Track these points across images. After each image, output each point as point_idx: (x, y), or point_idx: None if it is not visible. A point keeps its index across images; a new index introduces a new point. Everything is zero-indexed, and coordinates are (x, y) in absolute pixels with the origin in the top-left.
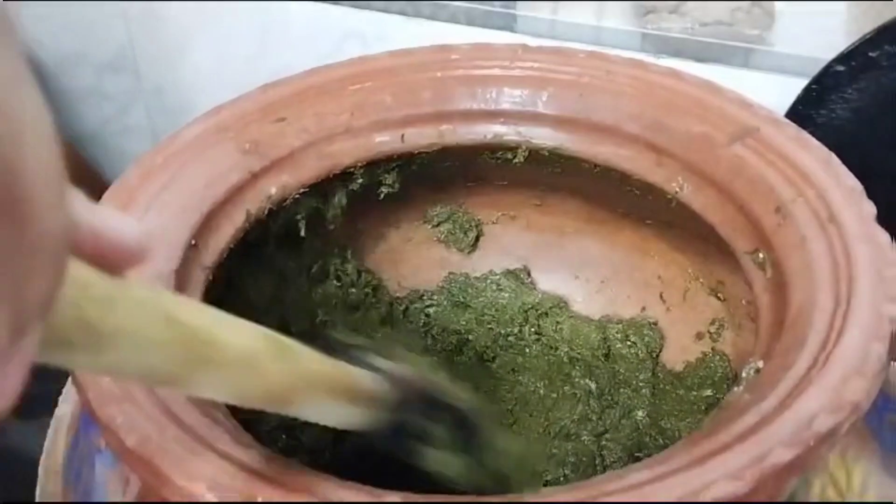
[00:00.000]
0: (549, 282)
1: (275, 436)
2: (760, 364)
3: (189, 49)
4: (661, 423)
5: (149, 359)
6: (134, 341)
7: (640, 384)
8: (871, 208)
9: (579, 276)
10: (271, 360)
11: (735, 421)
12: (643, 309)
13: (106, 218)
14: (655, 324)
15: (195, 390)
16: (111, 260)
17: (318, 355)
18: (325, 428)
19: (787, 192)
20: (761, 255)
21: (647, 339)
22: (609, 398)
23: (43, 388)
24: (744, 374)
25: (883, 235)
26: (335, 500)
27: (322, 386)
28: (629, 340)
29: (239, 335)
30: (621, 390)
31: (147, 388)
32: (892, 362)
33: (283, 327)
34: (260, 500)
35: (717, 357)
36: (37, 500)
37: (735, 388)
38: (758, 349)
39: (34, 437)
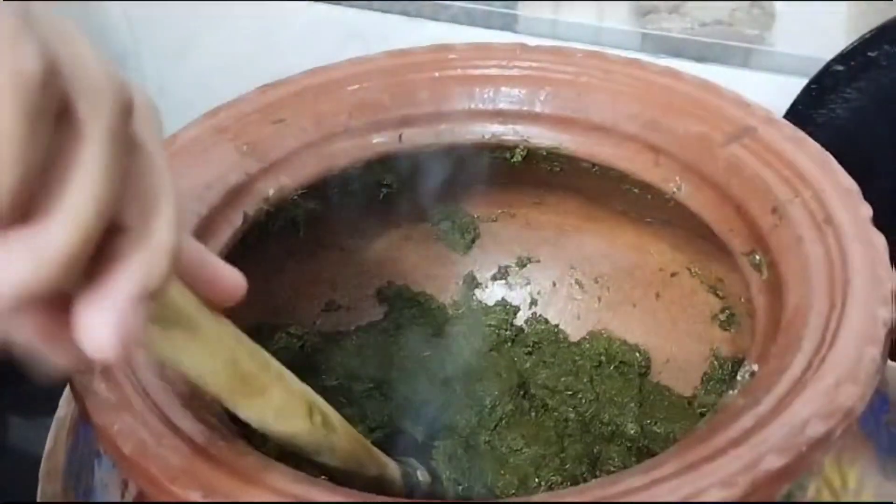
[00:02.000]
0: (548, 280)
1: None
2: (755, 367)
3: (192, 50)
4: (654, 429)
5: (204, 378)
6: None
7: (626, 400)
8: (867, 210)
9: (579, 273)
10: (306, 422)
11: (729, 425)
12: (641, 307)
13: (209, 254)
14: (644, 350)
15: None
16: (209, 293)
17: (349, 432)
18: None
19: (783, 192)
20: (758, 257)
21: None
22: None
23: (49, 388)
24: (739, 378)
25: (878, 237)
26: (326, 502)
27: (343, 455)
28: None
29: (283, 392)
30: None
31: (143, 396)
32: (888, 362)
33: (279, 327)
34: None
35: (717, 356)
36: (38, 501)
37: (730, 392)
38: (753, 351)
39: (37, 437)
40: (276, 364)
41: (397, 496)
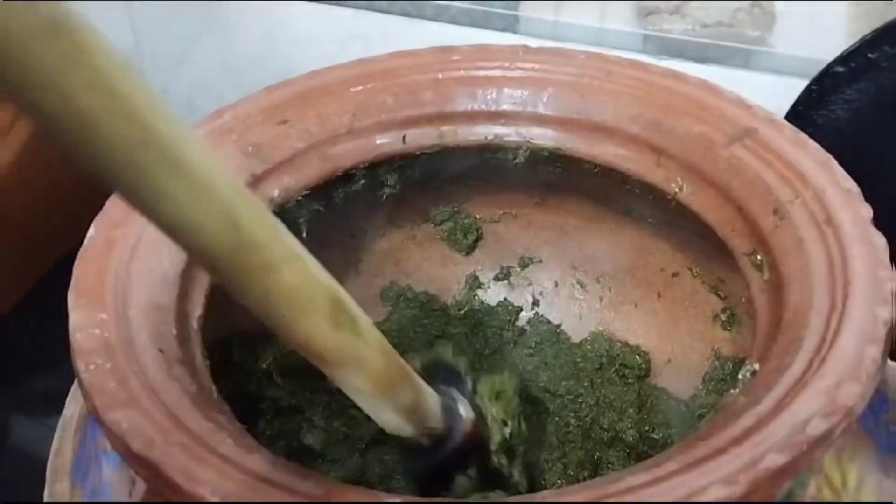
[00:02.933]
0: (549, 280)
1: (276, 440)
2: (756, 366)
3: (194, 51)
4: (651, 435)
5: (193, 241)
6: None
7: (625, 405)
8: (867, 210)
9: (581, 273)
10: (324, 321)
11: (730, 424)
12: (643, 307)
13: None
14: (645, 353)
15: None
16: None
17: (383, 344)
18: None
19: (784, 193)
20: (759, 257)
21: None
22: (597, 429)
23: (52, 387)
24: (740, 377)
25: (879, 238)
26: (336, 502)
27: (373, 371)
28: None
29: (297, 276)
30: (606, 414)
31: (151, 393)
32: (888, 361)
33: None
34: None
35: (718, 356)
36: (45, 500)
37: (731, 391)
38: (754, 351)
39: (43, 437)
40: (293, 242)
41: (433, 430)
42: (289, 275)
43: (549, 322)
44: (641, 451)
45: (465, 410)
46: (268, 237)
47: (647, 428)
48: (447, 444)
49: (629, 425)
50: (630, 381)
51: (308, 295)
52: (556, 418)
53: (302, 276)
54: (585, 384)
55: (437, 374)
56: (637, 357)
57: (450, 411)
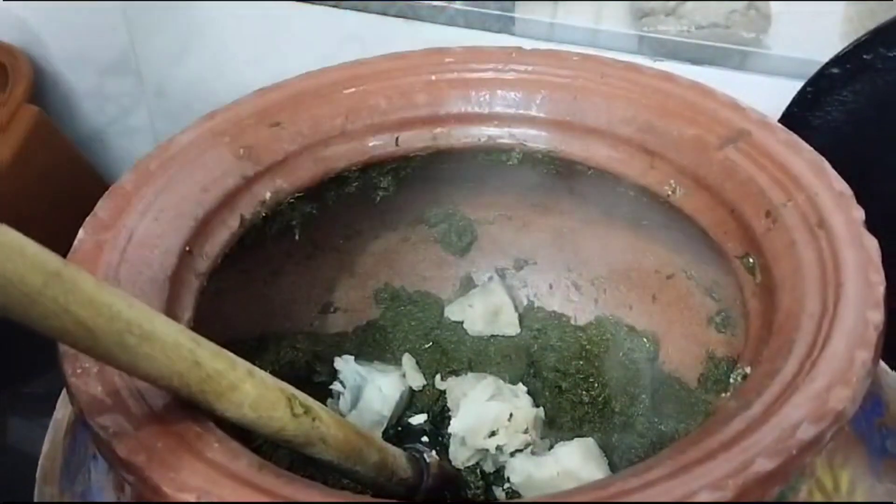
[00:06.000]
0: (544, 282)
1: (262, 444)
2: (748, 370)
3: (191, 52)
4: (660, 428)
5: (171, 382)
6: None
7: (638, 391)
8: (859, 213)
9: (575, 276)
10: (287, 414)
11: (721, 428)
12: (638, 310)
13: None
14: (651, 335)
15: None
16: None
17: (338, 421)
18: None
19: (777, 196)
20: (751, 260)
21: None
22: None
23: (48, 388)
24: (731, 381)
25: (870, 240)
26: None
27: (336, 443)
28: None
29: (257, 387)
30: (618, 398)
31: (138, 398)
32: (881, 363)
33: (272, 335)
34: None
35: (712, 357)
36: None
37: (723, 395)
38: (746, 354)
39: (36, 438)
40: (243, 363)
41: (406, 480)
42: (250, 387)
43: (543, 309)
44: (655, 441)
45: (429, 456)
46: (224, 365)
47: (656, 420)
48: (421, 486)
49: (641, 412)
50: (642, 365)
51: (269, 398)
52: (571, 395)
53: (260, 386)
54: (596, 364)
55: (405, 436)
56: (644, 340)
57: (416, 461)
